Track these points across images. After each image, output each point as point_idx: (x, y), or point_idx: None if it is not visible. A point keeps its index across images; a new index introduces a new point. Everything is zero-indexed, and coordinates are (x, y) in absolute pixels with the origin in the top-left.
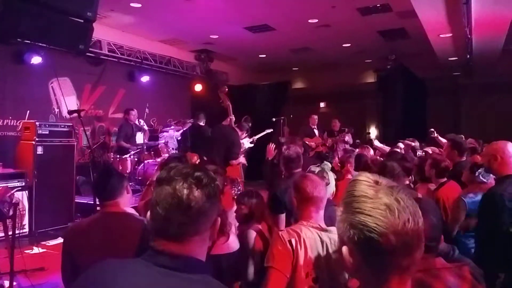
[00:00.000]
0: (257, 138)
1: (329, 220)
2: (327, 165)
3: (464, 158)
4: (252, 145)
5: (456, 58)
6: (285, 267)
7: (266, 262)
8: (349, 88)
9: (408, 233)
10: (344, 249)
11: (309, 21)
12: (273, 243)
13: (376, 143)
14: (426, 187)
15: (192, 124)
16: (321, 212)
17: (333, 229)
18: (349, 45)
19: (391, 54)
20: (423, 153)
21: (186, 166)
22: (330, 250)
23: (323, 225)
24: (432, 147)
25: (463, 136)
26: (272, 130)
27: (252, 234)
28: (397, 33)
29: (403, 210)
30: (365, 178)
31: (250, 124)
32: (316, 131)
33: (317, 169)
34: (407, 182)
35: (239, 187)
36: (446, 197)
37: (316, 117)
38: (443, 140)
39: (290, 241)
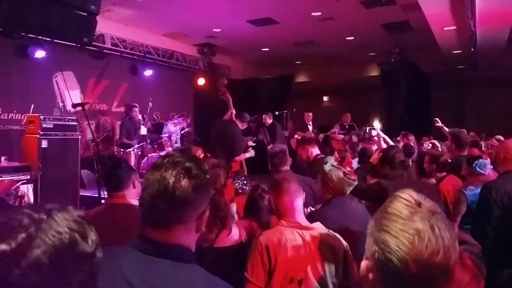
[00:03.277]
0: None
1: (341, 211)
2: (331, 158)
3: (465, 152)
4: (254, 144)
5: (460, 51)
6: (260, 279)
7: (245, 271)
8: (352, 82)
9: (433, 265)
10: (364, 263)
11: (313, 14)
12: (252, 249)
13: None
14: (428, 182)
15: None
16: (299, 203)
17: (315, 225)
18: (353, 38)
19: (395, 48)
20: (430, 145)
21: (181, 155)
22: (314, 249)
23: (304, 222)
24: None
25: (465, 130)
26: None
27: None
28: (401, 26)
29: (435, 239)
30: (406, 197)
31: (255, 125)
32: (310, 127)
33: (329, 167)
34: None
35: (245, 181)
36: (446, 190)
37: (310, 114)
38: (447, 130)
39: (267, 247)
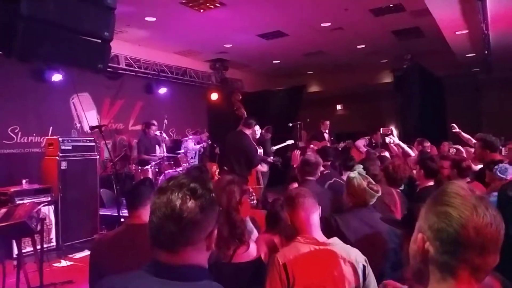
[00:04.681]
0: (278, 148)
1: (360, 221)
2: (361, 167)
3: (498, 157)
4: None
5: (474, 54)
6: None
7: None
8: (365, 89)
9: (487, 235)
10: (419, 235)
11: (322, 24)
12: (269, 267)
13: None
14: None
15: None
16: (315, 218)
17: (333, 241)
18: (364, 46)
19: (407, 54)
20: (455, 151)
21: (185, 177)
22: (332, 265)
23: (321, 238)
24: (464, 147)
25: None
26: (293, 141)
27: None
28: (412, 32)
29: (489, 215)
30: (461, 183)
31: (270, 135)
32: (326, 135)
33: (355, 174)
34: (432, 183)
35: (252, 197)
36: None
37: (328, 122)
38: (466, 136)
39: (284, 265)
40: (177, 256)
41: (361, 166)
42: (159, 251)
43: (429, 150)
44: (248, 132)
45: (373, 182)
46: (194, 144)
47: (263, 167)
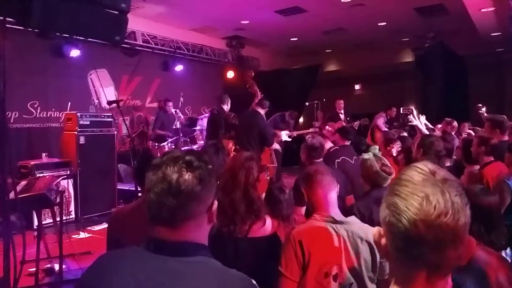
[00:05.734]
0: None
1: (377, 203)
2: (376, 148)
3: (506, 138)
4: (289, 139)
5: (500, 33)
6: (294, 274)
7: (279, 265)
8: (385, 69)
9: (442, 227)
10: (376, 229)
11: (342, 0)
12: (284, 243)
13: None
14: (469, 170)
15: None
16: (333, 196)
17: (350, 219)
18: (384, 23)
19: (429, 32)
20: (466, 135)
21: (179, 151)
22: (349, 243)
23: (338, 216)
24: (475, 128)
25: (505, 116)
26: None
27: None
28: (435, 9)
29: (444, 202)
30: (421, 166)
31: (293, 121)
32: (342, 116)
33: (369, 155)
34: (448, 163)
35: (267, 172)
36: (491, 176)
37: (341, 102)
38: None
39: (300, 242)
40: (178, 232)
41: (377, 148)
42: (159, 228)
43: (453, 132)
44: (262, 112)
45: (387, 164)
46: None
47: (277, 145)
